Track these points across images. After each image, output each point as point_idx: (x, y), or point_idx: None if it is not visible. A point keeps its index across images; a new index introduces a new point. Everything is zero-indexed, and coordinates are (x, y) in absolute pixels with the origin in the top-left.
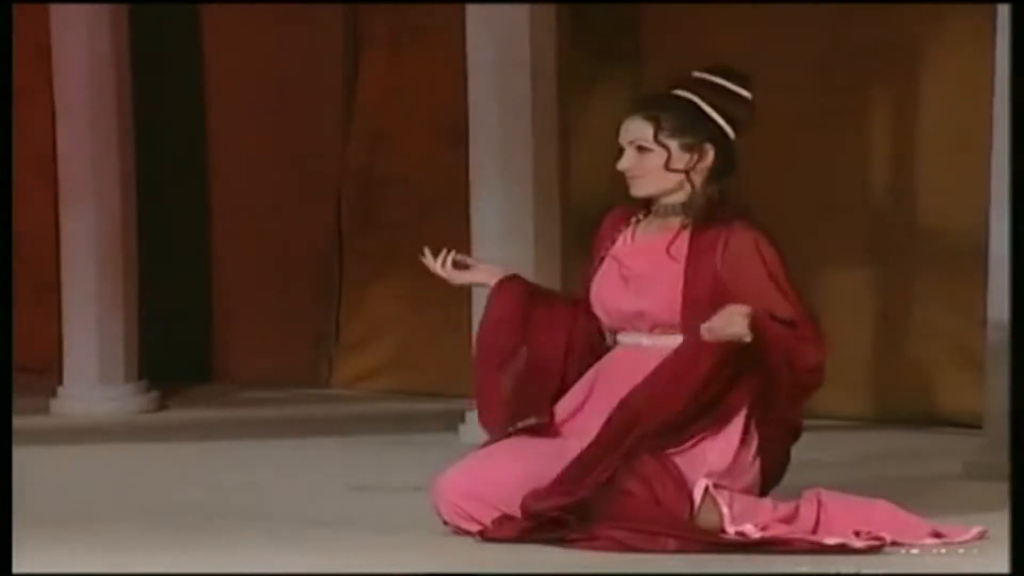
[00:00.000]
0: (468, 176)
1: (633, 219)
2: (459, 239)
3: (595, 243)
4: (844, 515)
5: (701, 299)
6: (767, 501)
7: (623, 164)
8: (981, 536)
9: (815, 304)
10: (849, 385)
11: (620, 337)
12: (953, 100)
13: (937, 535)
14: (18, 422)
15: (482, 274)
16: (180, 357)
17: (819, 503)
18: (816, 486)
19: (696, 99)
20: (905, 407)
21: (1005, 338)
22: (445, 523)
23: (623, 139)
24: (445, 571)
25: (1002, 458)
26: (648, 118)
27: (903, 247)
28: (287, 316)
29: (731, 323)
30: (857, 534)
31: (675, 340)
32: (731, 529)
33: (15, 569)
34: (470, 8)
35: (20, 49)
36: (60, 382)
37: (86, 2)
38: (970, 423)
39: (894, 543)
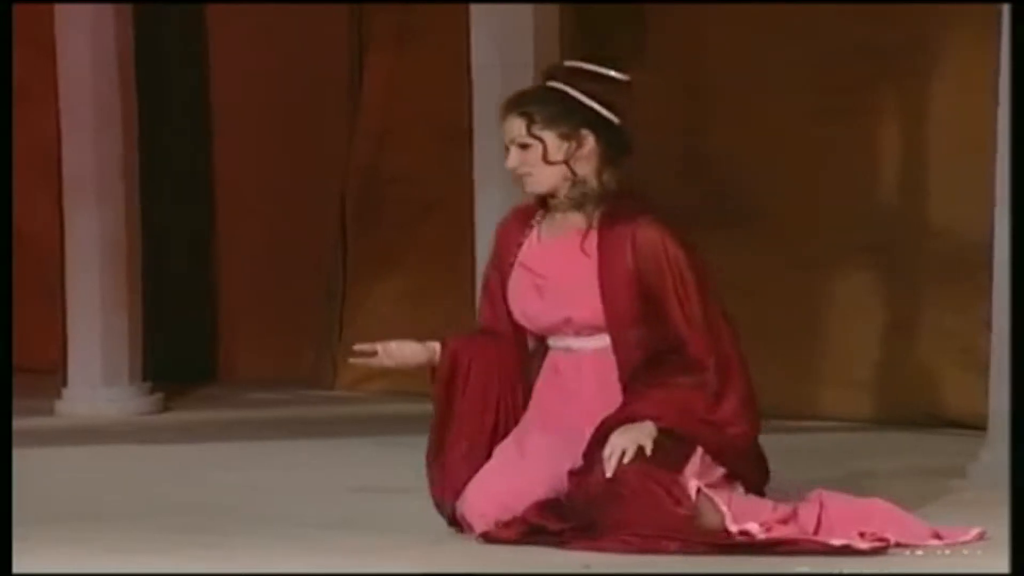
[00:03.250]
0: (472, 176)
1: (534, 221)
2: (462, 239)
3: (497, 250)
4: (845, 515)
5: (619, 296)
6: (767, 502)
7: (509, 163)
8: (981, 537)
9: (821, 307)
10: (854, 386)
11: (549, 341)
12: (960, 101)
13: (937, 536)
14: (23, 423)
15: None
16: (184, 358)
17: (820, 504)
18: (817, 487)
19: (566, 88)
20: (910, 408)
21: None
22: (456, 526)
23: (506, 141)
24: (447, 571)
25: (1006, 460)
26: (521, 114)
27: (909, 249)
28: (290, 317)
29: (634, 440)
30: (862, 535)
31: (602, 340)
32: (733, 528)
33: (15, 569)
34: (474, 8)
35: (25, 50)
36: (65, 383)
37: (91, 1)
38: (975, 425)
39: (898, 544)
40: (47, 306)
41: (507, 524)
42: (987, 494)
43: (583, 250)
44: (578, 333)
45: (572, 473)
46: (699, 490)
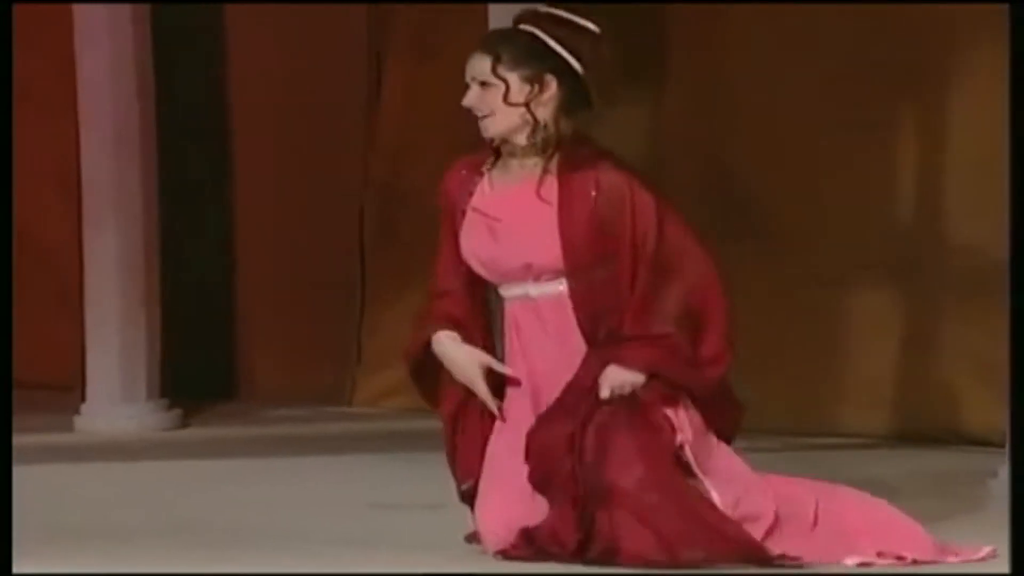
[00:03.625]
0: None
1: (484, 168)
2: None
3: (448, 200)
4: (859, 527)
5: (580, 241)
6: (768, 504)
7: (467, 100)
8: (993, 555)
9: (839, 322)
10: (872, 402)
11: (504, 290)
12: (979, 117)
13: (952, 553)
14: (41, 440)
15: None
16: (202, 374)
17: (817, 503)
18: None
19: (537, 31)
20: (929, 425)
21: None
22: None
23: (467, 77)
24: None
25: None
26: (487, 52)
27: (928, 264)
28: (309, 333)
29: (618, 385)
30: (880, 554)
31: (560, 285)
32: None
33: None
34: (493, 23)
35: (44, 65)
36: (83, 399)
37: (107, 2)
38: (995, 442)
39: (914, 562)
40: (66, 321)
41: (520, 544)
42: (1006, 511)
43: (540, 196)
44: (537, 279)
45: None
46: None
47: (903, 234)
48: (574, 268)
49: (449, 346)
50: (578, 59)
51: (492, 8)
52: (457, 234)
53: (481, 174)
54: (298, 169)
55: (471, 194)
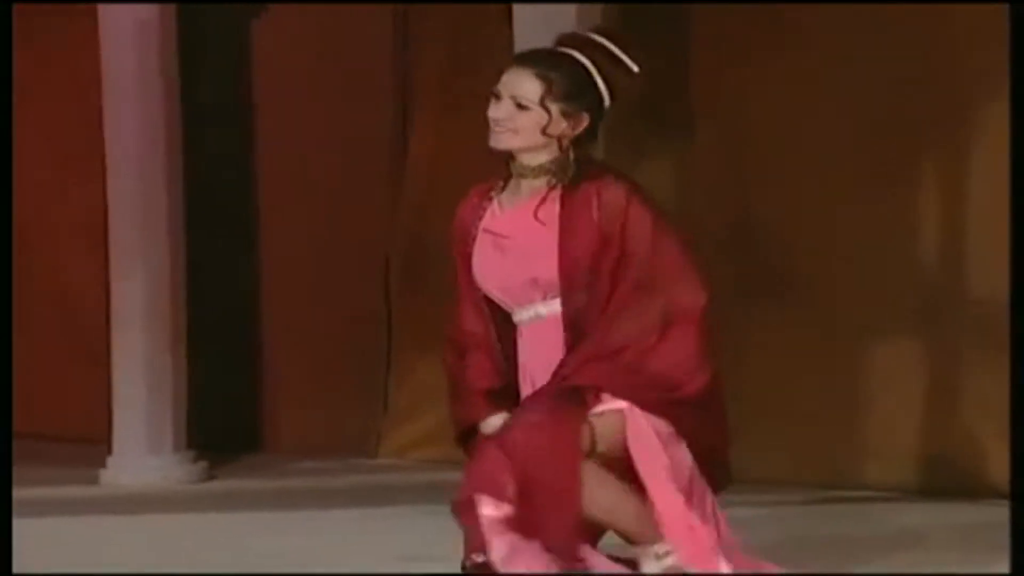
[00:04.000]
0: None
1: (493, 192)
2: None
3: (459, 229)
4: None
5: (580, 259)
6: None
7: (497, 113)
8: None
9: (863, 375)
10: (896, 455)
11: (518, 315)
12: (999, 170)
13: None
14: (67, 492)
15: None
16: (228, 426)
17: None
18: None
19: (589, 65)
20: (953, 477)
21: None
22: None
23: (504, 89)
24: None
25: None
26: (540, 77)
27: (950, 317)
28: (336, 385)
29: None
30: None
31: (570, 299)
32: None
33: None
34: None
35: (72, 118)
36: (109, 452)
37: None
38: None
39: None
40: (92, 373)
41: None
42: None
43: (538, 218)
44: (545, 296)
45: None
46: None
47: (926, 287)
48: (569, 287)
49: (489, 424)
50: (612, 97)
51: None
52: (470, 261)
53: (490, 199)
54: (325, 220)
55: (481, 218)
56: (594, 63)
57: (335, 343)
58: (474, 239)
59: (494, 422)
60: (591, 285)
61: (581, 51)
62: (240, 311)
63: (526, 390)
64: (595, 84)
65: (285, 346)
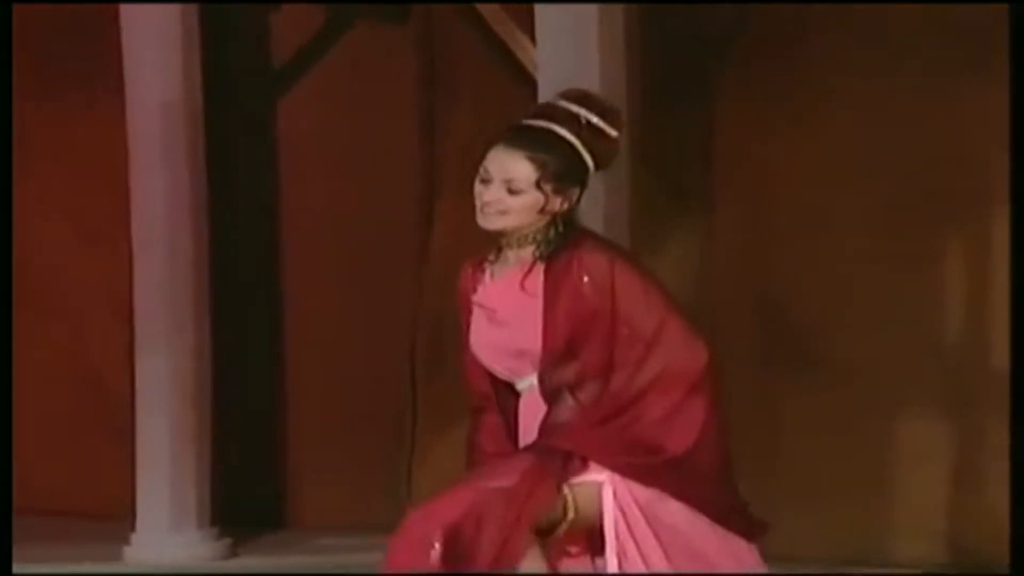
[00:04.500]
0: None
1: (486, 264)
2: None
3: (461, 303)
4: None
5: (563, 331)
6: None
7: (487, 196)
8: None
9: (889, 451)
10: (922, 533)
11: (517, 384)
12: None
13: None
14: (91, 569)
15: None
16: (253, 503)
17: None
18: None
19: (578, 143)
20: (978, 556)
21: None
22: None
23: (495, 173)
24: None
25: None
26: (532, 160)
27: (976, 392)
28: (360, 462)
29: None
30: None
31: (553, 370)
32: None
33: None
34: None
35: (99, 191)
36: (133, 529)
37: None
38: None
39: None
40: (117, 450)
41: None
42: None
43: (524, 288)
44: (536, 367)
45: None
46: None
47: (951, 363)
48: (549, 361)
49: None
50: (597, 167)
51: None
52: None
53: (483, 270)
54: (351, 298)
55: (475, 290)
56: (579, 137)
57: (360, 421)
58: (470, 312)
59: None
60: (578, 355)
61: (565, 126)
62: (265, 388)
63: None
64: (583, 158)
65: (310, 423)
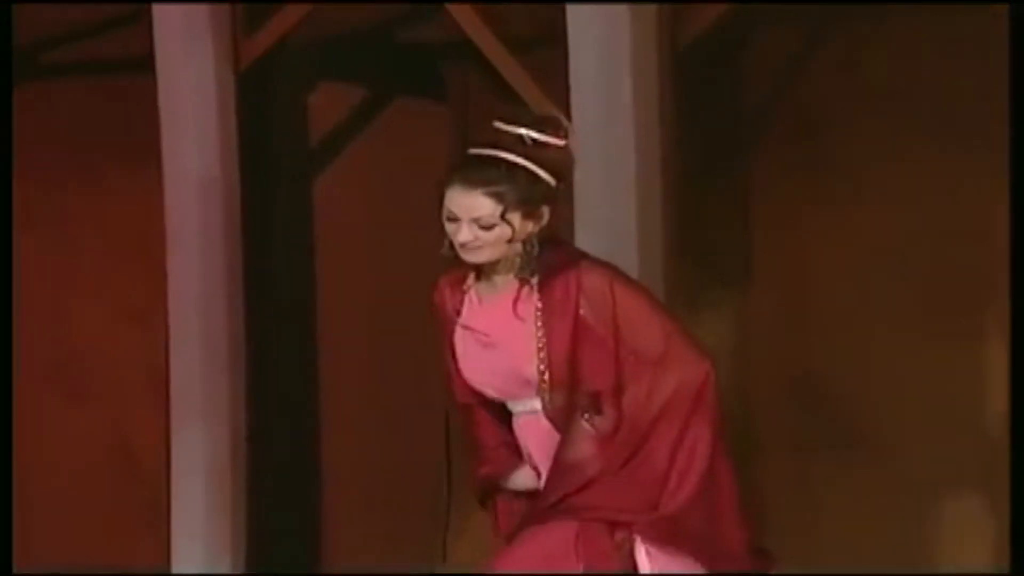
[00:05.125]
0: None
1: (466, 285)
2: None
3: (439, 316)
4: None
5: (565, 353)
6: None
7: (464, 238)
8: None
9: (931, 531)
10: None
11: (513, 406)
12: None
13: None
14: None
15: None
16: (287, 573)
17: None
18: None
19: (530, 165)
20: None
21: None
22: None
23: (459, 212)
24: None
25: None
26: (491, 195)
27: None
28: (395, 535)
29: None
30: None
31: (555, 396)
32: None
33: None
34: (578, 224)
35: (136, 268)
36: None
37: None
38: None
39: None
40: (152, 526)
41: None
42: None
43: (517, 314)
44: (537, 392)
45: None
46: None
47: (990, 443)
48: (553, 385)
49: (514, 479)
50: (557, 178)
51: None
52: (454, 346)
53: (463, 290)
54: (386, 373)
55: (458, 312)
56: (528, 158)
57: (395, 493)
58: (452, 329)
59: (524, 475)
60: (584, 380)
61: (512, 151)
62: (300, 463)
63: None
64: (539, 177)
65: (345, 498)
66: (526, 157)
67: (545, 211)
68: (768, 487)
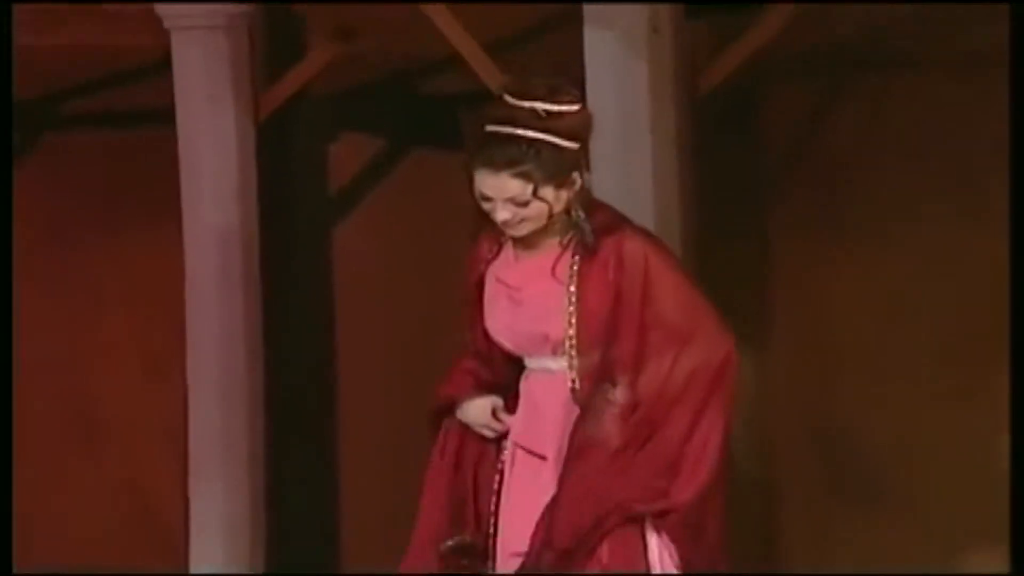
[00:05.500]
0: None
1: (504, 240)
2: None
3: (471, 267)
4: None
5: (597, 318)
6: None
7: (503, 217)
8: None
9: None
10: None
11: (528, 362)
12: None
13: None
14: None
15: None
16: None
17: None
18: None
19: (551, 138)
20: None
21: None
22: None
23: (492, 193)
24: None
25: None
26: (519, 176)
27: None
28: None
29: None
30: None
31: (582, 360)
32: None
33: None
34: None
35: (155, 325)
36: None
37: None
38: None
39: None
40: (170, 570)
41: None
42: None
43: (555, 275)
44: (554, 352)
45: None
46: None
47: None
48: (586, 346)
49: (466, 408)
50: (584, 144)
51: None
52: (482, 301)
53: (500, 244)
54: (408, 429)
55: (489, 262)
56: (547, 131)
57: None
58: (483, 278)
59: (476, 406)
60: (613, 346)
61: (528, 126)
62: (320, 515)
63: (524, 430)
64: (561, 146)
65: (366, 550)
66: (545, 131)
67: (576, 176)
68: (787, 538)
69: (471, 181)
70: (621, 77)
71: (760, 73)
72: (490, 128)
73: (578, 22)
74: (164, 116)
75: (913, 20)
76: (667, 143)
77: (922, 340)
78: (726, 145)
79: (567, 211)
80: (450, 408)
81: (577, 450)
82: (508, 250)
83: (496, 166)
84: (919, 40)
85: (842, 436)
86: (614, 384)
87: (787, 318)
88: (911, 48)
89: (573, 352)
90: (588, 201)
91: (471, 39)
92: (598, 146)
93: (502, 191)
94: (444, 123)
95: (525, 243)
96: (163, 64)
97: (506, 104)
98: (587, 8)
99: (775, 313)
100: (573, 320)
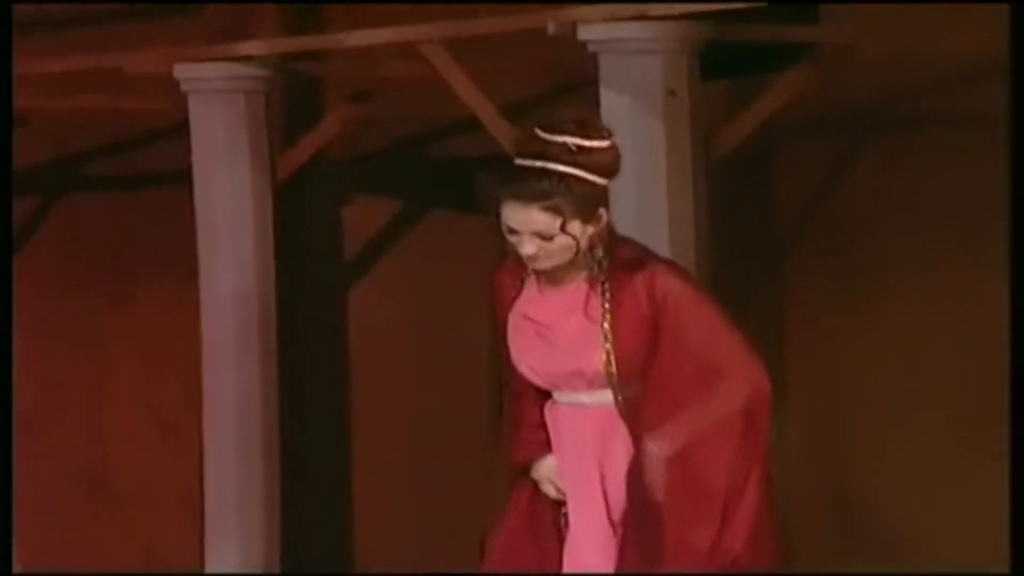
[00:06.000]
0: None
1: (525, 275)
2: None
3: (496, 303)
4: None
5: (633, 352)
6: None
7: (528, 251)
8: None
9: None
10: None
11: (557, 396)
12: None
13: None
14: None
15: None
16: None
17: None
18: None
19: (581, 173)
20: None
21: None
22: None
23: (520, 228)
24: None
25: None
26: (548, 209)
27: None
28: None
29: None
30: None
31: (625, 392)
32: None
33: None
34: None
35: (171, 385)
36: None
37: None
38: None
39: None
40: None
41: None
42: None
43: (587, 313)
44: (589, 387)
45: None
46: None
47: None
48: (621, 380)
49: (539, 466)
50: (608, 177)
51: None
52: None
53: (521, 279)
54: (422, 490)
55: (514, 299)
56: (577, 165)
57: None
58: (507, 313)
59: (546, 466)
60: (644, 378)
61: (559, 161)
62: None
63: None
64: (592, 182)
65: None
66: (575, 165)
67: (603, 212)
68: None
69: (497, 216)
70: (637, 138)
71: (774, 132)
72: (520, 161)
73: (594, 84)
74: (179, 179)
75: (920, 82)
76: (683, 203)
77: (938, 396)
78: (741, 203)
79: (591, 248)
80: (525, 470)
81: (637, 511)
82: (532, 285)
83: (525, 199)
84: (927, 101)
85: (856, 495)
86: (650, 437)
87: (801, 377)
88: (919, 109)
89: (615, 382)
90: (612, 236)
91: (487, 102)
92: (614, 207)
93: (530, 224)
94: (459, 186)
95: (549, 278)
96: (179, 128)
97: (536, 138)
98: (603, 70)
99: (789, 372)
100: (612, 357)
